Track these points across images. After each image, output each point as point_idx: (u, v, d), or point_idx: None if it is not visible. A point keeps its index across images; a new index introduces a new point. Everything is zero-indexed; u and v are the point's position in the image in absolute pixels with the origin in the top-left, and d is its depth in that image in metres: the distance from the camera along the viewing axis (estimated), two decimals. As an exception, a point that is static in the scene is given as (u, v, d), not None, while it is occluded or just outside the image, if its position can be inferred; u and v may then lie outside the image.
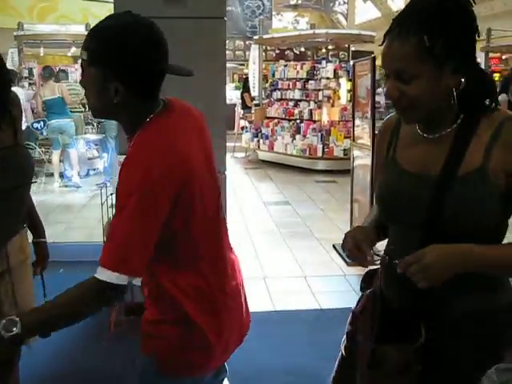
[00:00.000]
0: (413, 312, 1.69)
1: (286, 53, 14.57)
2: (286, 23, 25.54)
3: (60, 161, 10.09)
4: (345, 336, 1.93)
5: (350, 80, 10.52)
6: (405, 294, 1.69)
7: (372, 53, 10.58)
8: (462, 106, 1.62)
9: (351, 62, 8.43)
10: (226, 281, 1.98)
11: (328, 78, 12.34)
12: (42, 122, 9.78)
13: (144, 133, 1.73)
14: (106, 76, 1.68)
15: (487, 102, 1.64)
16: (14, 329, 1.63)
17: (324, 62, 12.69)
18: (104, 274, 1.61)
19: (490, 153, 1.57)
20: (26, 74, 12.48)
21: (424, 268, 1.52)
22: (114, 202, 4.24)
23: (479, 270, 1.61)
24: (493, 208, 1.57)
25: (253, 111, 13.98)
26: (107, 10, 17.66)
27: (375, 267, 1.88)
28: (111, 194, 4.30)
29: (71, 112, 10.28)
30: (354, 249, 1.72)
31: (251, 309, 2.13)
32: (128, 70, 1.67)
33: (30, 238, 2.68)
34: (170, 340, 1.87)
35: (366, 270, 1.91)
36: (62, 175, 10.20)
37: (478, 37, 1.59)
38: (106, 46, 1.67)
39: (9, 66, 12.97)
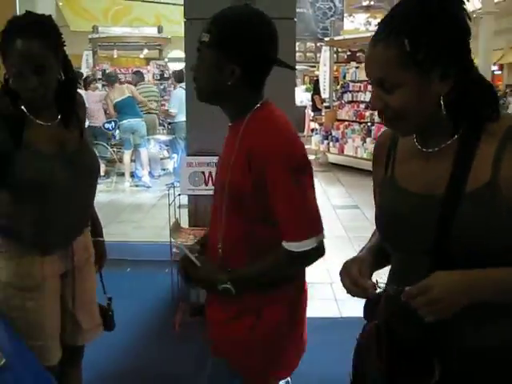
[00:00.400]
0: (423, 344, 1.49)
1: (357, 54, 14.36)
2: (357, 24, 25.24)
3: (131, 160, 10.27)
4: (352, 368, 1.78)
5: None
6: (412, 326, 1.48)
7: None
8: (463, 114, 1.44)
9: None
10: (305, 279, 2.02)
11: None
12: (113, 123, 9.95)
13: (263, 113, 1.84)
14: (225, 58, 1.78)
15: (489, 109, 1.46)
16: (226, 286, 1.82)
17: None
18: (298, 245, 1.77)
19: (498, 164, 1.38)
20: (99, 75, 12.73)
21: (431, 301, 1.36)
22: (181, 203, 4.32)
23: (497, 298, 1.43)
24: (508, 226, 1.38)
25: (323, 113, 13.84)
26: (179, 12, 17.95)
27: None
28: (179, 195, 4.32)
29: (148, 113, 10.45)
30: (352, 286, 1.53)
31: (318, 314, 2.09)
32: (247, 54, 1.77)
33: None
34: (245, 341, 1.89)
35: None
36: (132, 175, 10.37)
37: (469, 39, 1.42)
38: (231, 30, 1.78)
39: (83, 67, 13.32)
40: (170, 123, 10.33)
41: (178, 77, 10.11)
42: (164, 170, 10.93)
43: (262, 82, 1.88)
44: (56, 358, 2.41)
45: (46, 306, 2.34)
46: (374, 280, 1.54)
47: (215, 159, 4.19)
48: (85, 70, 12.92)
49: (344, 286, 1.56)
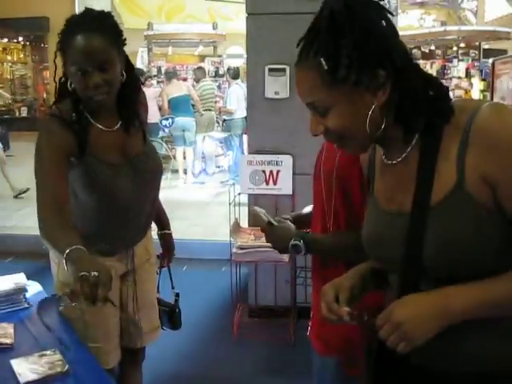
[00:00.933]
0: (420, 370, 1.37)
1: (413, 51, 14.11)
2: (411, 21, 24.88)
3: (184, 157, 10.27)
4: None
5: (483, 80, 9.98)
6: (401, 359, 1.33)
7: (506, 51, 10.02)
8: (413, 117, 1.32)
9: (490, 60, 7.97)
10: None
11: (459, 78, 11.85)
12: (170, 119, 9.95)
13: None
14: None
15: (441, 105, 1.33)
16: (297, 242, 1.88)
17: (455, 60, 12.19)
18: None
19: (462, 164, 1.23)
20: (154, 72, 12.79)
21: (396, 327, 1.25)
22: (241, 201, 4.24)
23: (479, 315, 1.27)
24: (485, 232, 1.23)
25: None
26: (233, 9, 17.98)
27: None
28: (239, 194, 4.24)
29: (208, 110, 10.46)
30: (326, 312, 1.43)
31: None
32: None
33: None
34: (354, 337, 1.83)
35: None
36: (186, 171, 10.36)
37: (396, 36, 1.32)
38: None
39: (138, 64, 13.42)
40: (224, 120, 10.30)
41: (234, 74, 10.07)
42: (218, 167, 10.90)
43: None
44: (114, 360, 2.39)
45: (103, 309, 2.18)
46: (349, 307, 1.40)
47: (277, 157, 4.14)
48: (139, 66, 12.98)
49: (322, 309, 1.45)
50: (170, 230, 2.73)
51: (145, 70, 12.75)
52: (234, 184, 4.24)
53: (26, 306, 2.39)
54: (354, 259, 1.73)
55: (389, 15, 1.31)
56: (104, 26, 2.04)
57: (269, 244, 3.72)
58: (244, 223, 4.30)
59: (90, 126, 2.14)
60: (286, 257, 3.83)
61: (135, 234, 2.41)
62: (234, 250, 3.88)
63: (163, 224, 2.70)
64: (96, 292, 1.66)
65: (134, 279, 2.45)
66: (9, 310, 2.35)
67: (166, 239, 2.72)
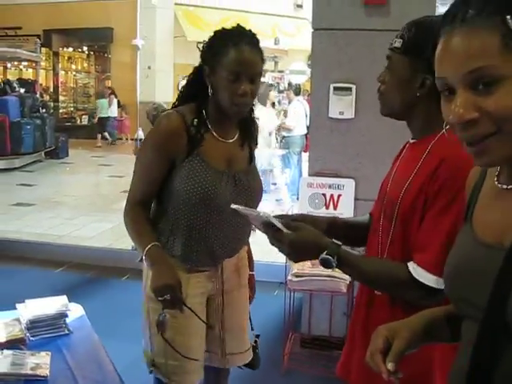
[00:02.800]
0: None
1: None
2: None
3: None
4: None
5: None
6: None
7: None
8: None
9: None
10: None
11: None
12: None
13: (452, 139, 1.45)
14: (417, 66, 1.65)
15: None
16: (329, 256, 1.63)
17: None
18: (422, 274, 1.59)
19: None
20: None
21: None
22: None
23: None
24: None
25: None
26: (296, 25, 17.95)
27: None
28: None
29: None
30: (369, 358, 1.27)
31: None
32: None
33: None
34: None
35: None
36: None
37: None
38: (424, 35, 1.62)
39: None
40: (284, 137, 10.16)
41: (296, 90, 9.95)
42: (274, 184, 10.73)
43: None
44: (194, 379, 2.39)
45: (185, 325, 2.30)
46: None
47: (338, 181, 3.94)
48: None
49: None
50: (253, 271, 2.70)
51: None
52: (292, 206, 4.03)
53: (66, 332, 2.28)
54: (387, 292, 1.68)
55: None
56: (259, 44, 2.24)
57: (327, 272, 3.54)
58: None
59: (206, 132, 2.26)
60: (343, 287, 3.63)
61: (226, 250, 2.38)
62: (289, 278, 3.69)
63: (249, 265, 2.66)
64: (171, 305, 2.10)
65: (222, 301, 2.46)
66: (48, 335, 2.23)
67: (249, 280, 2.65)
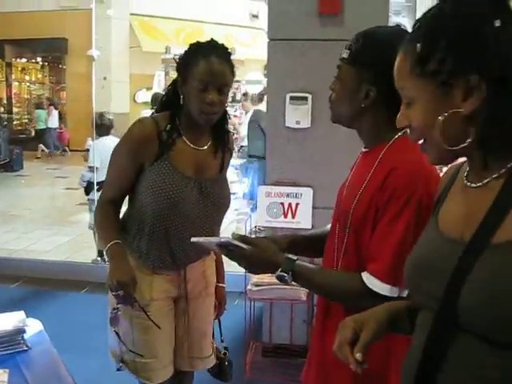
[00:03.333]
0: None
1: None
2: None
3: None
4: None
5: None
6: None
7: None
8: (504, 142, 1.13)
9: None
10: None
11: None
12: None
13: (403, 147, 1.66)
14: (361, 77, 1.68)
15: None
16: (285, 276, 1.68)
17: None
18: (375, 283, 1.61)
19: None
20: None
21: None
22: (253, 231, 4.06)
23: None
24: None
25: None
26: (251, 35, 17.99)
27: None
28: (255, 227, 4.04)
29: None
30: (337, 349, 1.29)
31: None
32: (384, 75, 1.52)
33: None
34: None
35: None
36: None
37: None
38: (369, 47, 1.67)
39: (155, 88, 13.38)
40: (241, 146, 10.15)
41: (260, 98, 10.01)
42: (233, 193, 10.72)
43: (398, 109, 1.66)
44: (159, 378, 2.46)
45: (152, 326, 2.37)
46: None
47: (296, 190, 3.96)
48: (156, 90, 12.91)
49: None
50: (223, 283, 2.76)
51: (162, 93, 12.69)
52: (250, 216, 4.03)
53: (25, 348, 2.24)
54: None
55: None
56: (229, 56, 2.34)
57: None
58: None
59: (178, 138, 2.35)
60: (303, 295, 3.65)
61: (187, 255, 2.43)
62: (249, 287, 3.69)
63: (218, 276, 2.71)
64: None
65: (186, 306, 2.52)
66: (5, 352, 2.19)
67: (219, 292, 2.72)
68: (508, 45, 1.09)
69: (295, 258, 1.71)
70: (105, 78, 15.11)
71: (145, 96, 17.17)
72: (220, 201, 2.47)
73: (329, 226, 2.00)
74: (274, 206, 3.98)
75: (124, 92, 17.21)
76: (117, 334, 2.35)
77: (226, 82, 2.30)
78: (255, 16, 20.09)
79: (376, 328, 1.28)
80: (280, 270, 1.67)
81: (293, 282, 3.53)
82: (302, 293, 3.64)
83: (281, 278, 1.69)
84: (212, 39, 2.38)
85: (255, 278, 3.69)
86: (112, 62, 16.03)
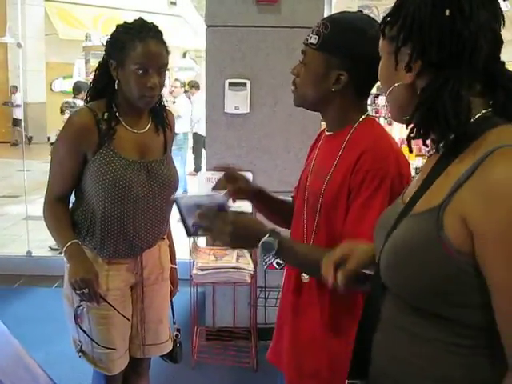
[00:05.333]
0: None
1: None
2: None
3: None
4: None
5: None
6: None
7: None
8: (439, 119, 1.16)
9: None
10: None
11: None
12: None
13: (371, 124, 1.77)
14: (332, 63, 1.70)
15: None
16: (271, 240, 1.64)
17: None
18: None
19: (453, 192, 1.09)
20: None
21: None
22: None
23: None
24: (443, 273, 1.10)
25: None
26: (171, 23, 17.83)
27: None
28: (197, 212, 4.04)
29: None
30: (324, 269, 1.43)
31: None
32: (356, 60, 1.67)
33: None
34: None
35: None
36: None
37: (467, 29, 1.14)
38: (341, 33, 1.69)
39: (75, 76, 13.08)
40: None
41: (195, 84, 9.99)
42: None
43: (367, 92, 1.79)
44: (118, 367, 2.46)
45: (109, 317, 2.38)
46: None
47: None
48: (77, 79, 12.63)
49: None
50: (175, 264, 2.74)
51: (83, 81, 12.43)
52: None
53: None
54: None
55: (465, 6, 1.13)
56: (162, 35, 2.29)
57: (231, 264, 3.60)
58: (202, 243, 4.14)
59: (118, 125, 2.31)
60: (247, 278, 3.71)
61: (143, 240, 2.42)
62: (194, 272, 3.71)
63: (171, 258, 2.69)
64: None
65: (142, 291, 2.50)
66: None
67: (171, 273, 2.69)
68: (451, 36, 1.13)
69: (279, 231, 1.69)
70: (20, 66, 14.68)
71: (62, 85, 16.78)
72: (168, 181, 2.44)
73: (289, 199, 2.09)
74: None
75: (40, 81, 16.75)
76: (82, 330, 2.34)
77: (164, 63, 2.28)
78: (173, 3, 19.94)
79: (362, 260, 1.41)
80: (268, 235, 1.63)
81: (239, 263, 3.61)
82: (247, 275, 3.70)
83: (267, 244, 1.64)
84: (140, 18, 2.32)
85: (200, 263, 3.72)
86: (27, 49, 15.57)
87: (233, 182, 1.93)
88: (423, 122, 1.18)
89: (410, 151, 1.29)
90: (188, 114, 9.79)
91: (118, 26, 2.30)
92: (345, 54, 1.68)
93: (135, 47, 2.20)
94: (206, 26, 3.96)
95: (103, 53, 2.34)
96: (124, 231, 2.34)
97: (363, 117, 1.76)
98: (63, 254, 2.32)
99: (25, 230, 6.07)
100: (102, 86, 2.35)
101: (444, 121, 1.14)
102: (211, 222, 1.64)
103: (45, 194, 2.39)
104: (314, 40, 1.71)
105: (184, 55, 19.58)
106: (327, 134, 1.86)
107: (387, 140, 1.73)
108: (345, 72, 1.69)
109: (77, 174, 2.32)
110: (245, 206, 1.87)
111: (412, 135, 1.21)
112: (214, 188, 1.90)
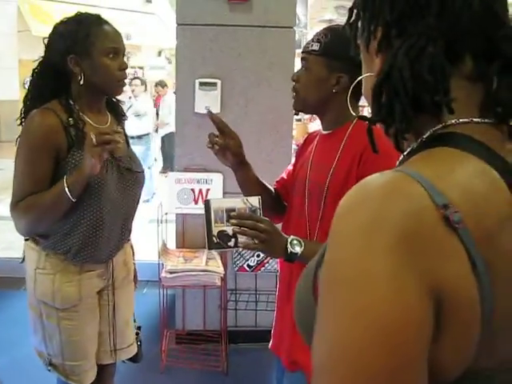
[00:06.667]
0: None
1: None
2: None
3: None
4: None
5: None
6: None
7: None
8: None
9: None
10: None
11: None
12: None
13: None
14: (333, 66, 1.89)
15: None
16: (298, 248, 1.78)
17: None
18: None
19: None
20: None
21: None
22: (164, 218, 4.01)
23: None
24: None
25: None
26: (146, 21, 17.70)
27: None
28: (166, 214, 4.00)
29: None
30: None
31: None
32: (356, 61, 1.64)
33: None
34: None
35: None
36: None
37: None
38: (341, 40, 1.79)
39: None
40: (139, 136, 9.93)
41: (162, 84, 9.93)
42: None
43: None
44: (89, 378, 2.41)
45: (81, 327, 2.32)
46: None
47: (206, 176, 3.95)
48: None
49: None
50: (134, 259, 2.66)
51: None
52: (161, 205, 3.98)
53: None
54: None
55: None
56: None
57: (201, 267, 3.56)
58: (171, 244, 4.08)
59: (83, 123, 2.21)
60: (217, 280, 3.66)
61: (116, 242, 2.37)
62: (163, 275, 3.65)
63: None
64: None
65: (113, 295, 2.44)
66: None
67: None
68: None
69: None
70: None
71: (35, 82, 16.55)
72: (138, 177, 2.40)
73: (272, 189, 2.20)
74: (185, 192, 3.95)
75: (12, 78, 16.50)
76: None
77: (125, 46, 2.29)
78: (148, 1, 19.78)
79: None
80: (292, 238, 1.79)
81: (208, 266, 3.57)
82: (217, 277, 3.65)
83: (292, 253, 1.77)
84: (78, 11, 2.26)
85: (169, 266, 3.66)
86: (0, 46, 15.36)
87: (224, 139, 2.03)
88: (377, 108, 0.88)
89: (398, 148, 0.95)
90: (150, 113, 9.66)
91: (60, 24, 2.21)
92: (344, 57, 1.75)
93: (100, 33, 2.18)
94: (176, 25, 3.88)
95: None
96: (102, 233, 2.26)
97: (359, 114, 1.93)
98: (69, 193, 2.08)
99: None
100: (53, 86, 2.23)
101: (395, 94, 0.83)
102: (246, 226, 1.76)
103: (10, 202, 2.19)
104: (315, 47, 1.91)
105: (159, 54, 19.48)
106: (324, 133, 2.02)
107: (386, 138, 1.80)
108: (344, 74, 1.88)
109: (50, 175, 2.15)
110: (252, 200, 1.87)
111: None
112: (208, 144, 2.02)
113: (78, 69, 2.18)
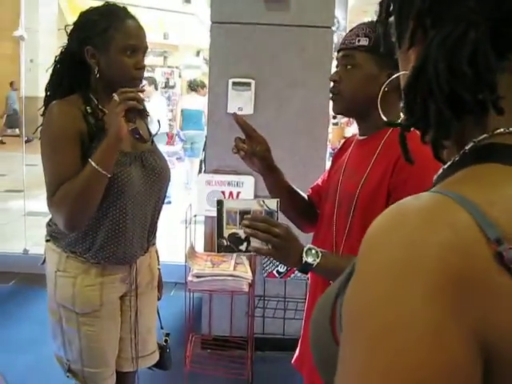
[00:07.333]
0: None
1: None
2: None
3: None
4: None
5: None
6: None
7: None
8: None
9: None
10: None
11: None
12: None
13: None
14: (384, 63, 1.69)
15: None
16: (312, 259, 1.62)
17: None
18: None
19: None
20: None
21: None
22: (193, 220, 3.94)
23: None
24: None
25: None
26: (184, 21, 17.75)
27: None
28: (195, 216, 3.92)
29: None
30: None
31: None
32: None
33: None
34: None
35: None
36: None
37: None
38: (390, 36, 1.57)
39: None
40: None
41: (192, 85, 9.90)
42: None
43: None
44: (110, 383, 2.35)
45: (102, 333, 2.26)
46: None
47: (237, 178, 3.86)
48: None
49: None
50: (159, 264, 2.58)
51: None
52: (190, 205, 3.90)
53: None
54: None
55: None
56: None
57: (228, 272, 3.47)
58: (199, 247, 3.99)
59: (102, 113, 2.13)
60: (245, 286, 3.55)
61: (139, 242, 2.28)
62: (189, 278, 3.56)
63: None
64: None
65: (136, 301, 2.36)
66: None
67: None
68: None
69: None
70: (31, 61, 14.61)
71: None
72: (163, 173, 2.31)
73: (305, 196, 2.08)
74: (215, 194, 3.86)
75: (51, 75, 16.69)
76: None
77: (147, 44, 2.18)
78: (187, 1, 19.85)
79: None
80: (308, 247, 1.64)
81: (236, 271, 3.48)
82: (244, 283, 3.54)
83: (307, 264, 1.63)
84: (107, 2, 2.21)
85: (196, 270, 3.57)
86: (40, 43, 15.52)
87: (251, 144, 1.89)
88: (409, 110, 0.76)
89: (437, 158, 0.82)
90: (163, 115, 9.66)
91: (85, 12, 2.16)
92: (393, 54, 1.64)
93: (121, 28, 2.08)
94: (210, 22, 3.80)
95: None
96: (124, 230, 2.17)
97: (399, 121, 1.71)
98: (100, 168, 1.97)
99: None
100: (72, 79, 2.16)
101: (429, 92, 0.70)
102: (258, 229, 1.62)
103: (46, 192, 2.06)
104: (364, 42, 1.73)
105: (197, 54, 19.54)
106: (360, 138, 1.87)
107: (424, 147, 1.65)
108: (396, 71, 1.63)
109: (79, 163, 2.03)
110: (269, 203, 1.74)
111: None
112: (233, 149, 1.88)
113: (93, 61, 2.11)
